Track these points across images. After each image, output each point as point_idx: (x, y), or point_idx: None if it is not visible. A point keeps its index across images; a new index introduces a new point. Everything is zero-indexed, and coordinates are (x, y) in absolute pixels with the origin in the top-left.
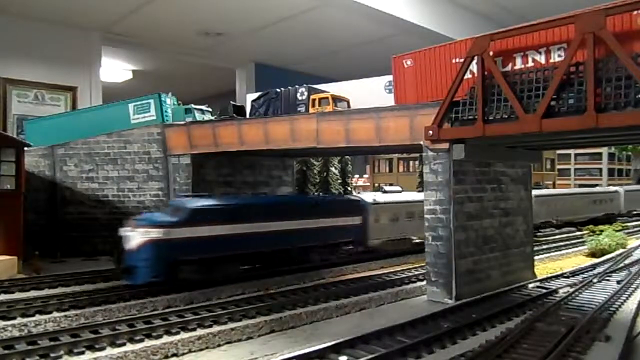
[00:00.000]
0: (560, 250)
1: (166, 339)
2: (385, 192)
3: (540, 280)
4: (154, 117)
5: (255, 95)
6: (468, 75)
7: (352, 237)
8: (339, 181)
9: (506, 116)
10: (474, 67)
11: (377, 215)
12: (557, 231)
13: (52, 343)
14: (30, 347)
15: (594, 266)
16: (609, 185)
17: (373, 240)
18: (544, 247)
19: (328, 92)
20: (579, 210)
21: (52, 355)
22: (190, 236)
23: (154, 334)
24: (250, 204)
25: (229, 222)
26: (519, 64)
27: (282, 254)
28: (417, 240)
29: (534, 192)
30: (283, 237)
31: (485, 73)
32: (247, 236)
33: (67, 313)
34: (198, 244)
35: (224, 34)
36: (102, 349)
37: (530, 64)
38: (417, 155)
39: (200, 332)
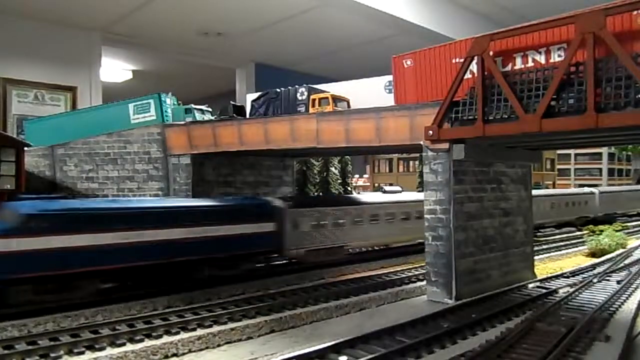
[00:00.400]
0: (560, 250)
1: (166, 339)
2: (385, 192)
3: (540, 280)
4: (154, 117)
5: (255, 95)
6: (468, 75)
7: (263, 247)
8: (339, 181)
9: (506, 116)
10: (474, 67)
11: (296, 221)
12: (557, 231)
13: (52, 343)
14: (30, 347)
15: (594, 266)
16: (609, 185)
17: (293, 250)
18: (544, 247)
19: (328, 92)
20: (548, 214)
21: (52, 355)
22: (21, 249)
23: (154, 334)
24: (115, 209)
25: (81, 231)
26: (519, 64)
27: (162, 269)
28: (355, 250)
29: None
30: (162, 249)
31: (485, 73)
32: (108, 248)
33: (67, 313)
34: (34, 258)
35: (224, 34)
36: (102, 349)
37: (530, 64)
38: (417, 155)
39: (200, 332)
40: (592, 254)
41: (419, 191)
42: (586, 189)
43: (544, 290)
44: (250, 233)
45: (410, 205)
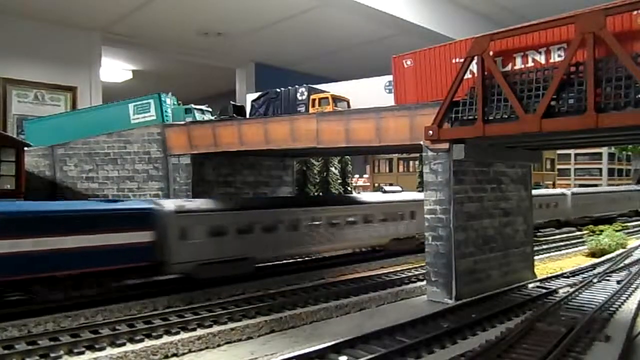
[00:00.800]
0: (560, 250)
1: (166, 339)
2: (385, 192)
3: (540, 280)
4: (154, 117)
5: (255, 95)
6: (468, 75)
7: (132, 262)
8: (339, 181)
9: (506, 116)
10: (474, 67)
11: (184, 229)
12: (557, 231)
13: (52, 343)
14: (30, 347)
15: (594, 266)
16: (609, 185)
17: (179, 265)
18: (544, 247)
19: (328, 92)
20: None
21: (52, 355)
22: None
23: (154, 334)
24: None
25: None
26: (519, 64)
27: None
28: (265, 263)
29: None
30: None
31: (485, 73)
32: None
33: (67, 313)
34: None
35: (224, 34)
36: (102, 349)
37: (530, 64)
38: (417, 155)
39: (200, 332)
40: (592, 254)
41: (419, 191)
42: (558, 190)
43: (544, 290)
44: (111, 245)
45: (340, 209)
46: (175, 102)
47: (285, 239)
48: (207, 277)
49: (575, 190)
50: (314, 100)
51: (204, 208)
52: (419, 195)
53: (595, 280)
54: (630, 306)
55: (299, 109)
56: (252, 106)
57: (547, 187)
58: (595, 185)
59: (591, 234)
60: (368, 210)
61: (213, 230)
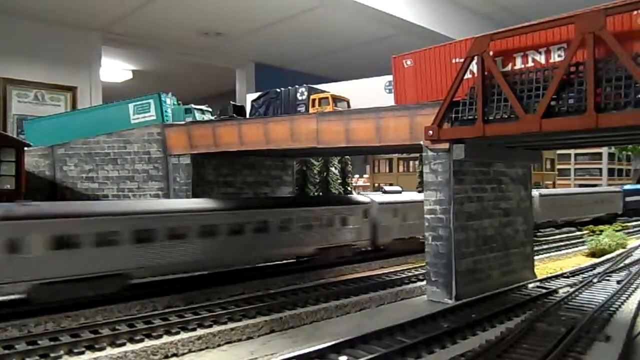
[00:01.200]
0: (560, 250)
1: (166, 339)
2: (385, 192)
3: (540, 280)
4: (154, 117)
5: (255, 95)
6: (468, 75)
7: None
8: (339, 181)
9: (506, 116)
10: (474, 67)
11: (14, 240)
12: (557, 231)
13: (52, 343)
14: (30, 347)
15: (594, 266)
16: (609, 185)
17: (7, 286)
18: (544, 247)
19: (328, 92)
20: None
21: (52, 355)
22: None
23: (154, 334)
24: None
25: None
26: (519, 64)
27: None
28: (142, 279)
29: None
30: None
31: (485, 73)
32: None
33: (67, 313)
34: None
35: (224, 34)
36: (102, 349)
37: (530, 64)
38: (417, 155)
39: (200, 332)
40: (592, 254)
41: (419, 191)
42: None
43: (544, 290)
44: None
45: (242, 215)
46: (175, 102)
47: (166, 251)
48: (53, 299)
49: (544, 191)
50: (314, 100)
51: (45, 213)
52: (360, 197)
53: (595, 280)
54: (630, 306)
55: (299, 109)
56: (252, 106)
57: (547, 187)
58: (595, 185)
59: (591, 234)
60: (284, 215)
61: (60, 241)
